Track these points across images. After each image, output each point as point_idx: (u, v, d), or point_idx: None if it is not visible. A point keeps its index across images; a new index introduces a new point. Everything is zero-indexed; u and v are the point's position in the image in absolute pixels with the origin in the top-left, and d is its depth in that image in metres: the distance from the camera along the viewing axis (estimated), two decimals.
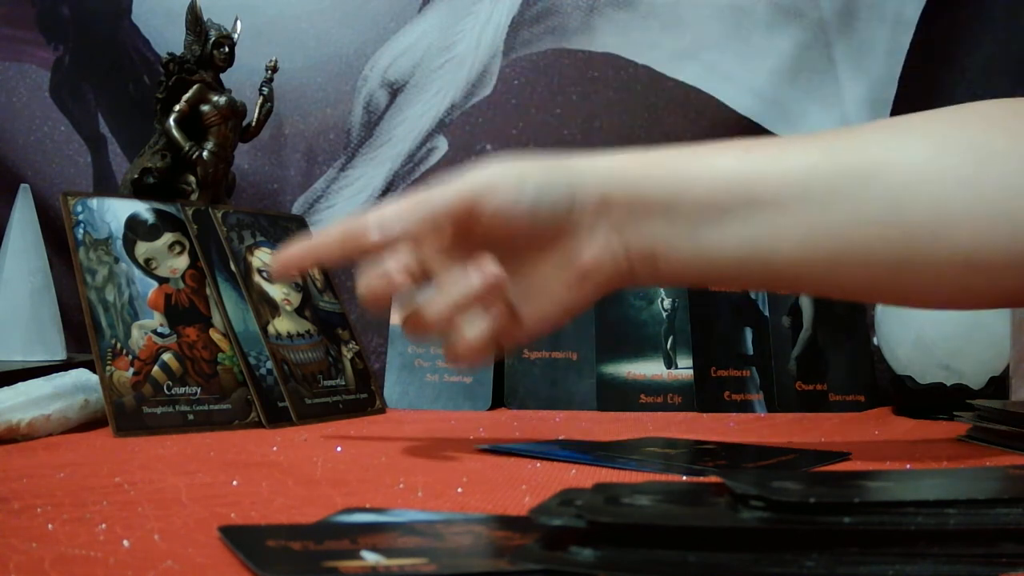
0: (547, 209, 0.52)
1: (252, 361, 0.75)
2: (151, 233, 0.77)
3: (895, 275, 0.51)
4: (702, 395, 0.92)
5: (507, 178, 0.52)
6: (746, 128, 1.04)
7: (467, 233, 0.52)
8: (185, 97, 0.86)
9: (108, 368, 0.68)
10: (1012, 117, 0.52)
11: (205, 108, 0.87)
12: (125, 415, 0.67)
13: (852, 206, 0.50)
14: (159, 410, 0.68)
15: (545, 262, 0.54)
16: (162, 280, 0.75)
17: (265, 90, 0.94)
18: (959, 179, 0.49)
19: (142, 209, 0.78)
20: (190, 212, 0.80)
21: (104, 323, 0.70)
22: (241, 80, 0.94)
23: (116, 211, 0.76)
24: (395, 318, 0.95)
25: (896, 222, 0.49)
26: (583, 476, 0.52)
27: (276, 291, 0.81)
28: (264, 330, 0.77)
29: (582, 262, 0.53)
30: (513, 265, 0.53)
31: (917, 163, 0.50)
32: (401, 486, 0.48)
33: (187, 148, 0.86)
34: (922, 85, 1.04)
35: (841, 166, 0.51)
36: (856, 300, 0.56)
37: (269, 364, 0.75)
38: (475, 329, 0.52)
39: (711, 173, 0.52)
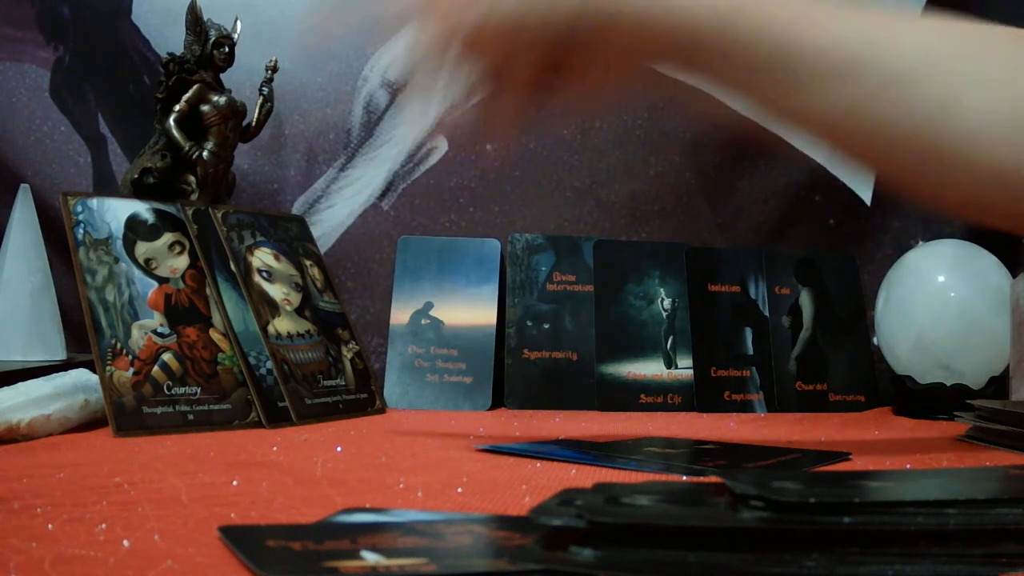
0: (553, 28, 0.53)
1: (252, 361, 0.75)
2: (151, 233, 0.77)
3: (924, 167, 0.51)
4: (702, 395, 0.92)
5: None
6: (747, 128, 1.04)
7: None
8: (185, 97, 0.86)
9: (108, 368, 0.68)
10: None
11: (205, 108, 0.87)
12: (125, 415, 0.67)
13: (901, 98, 0.49)
14: (159, 410, 0.68)
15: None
16: (162, 280, 0.75)
17: (265, 90, 0.94)
18: (1007, 99, 0.49)
19: (142, 209, 0.78)
20: (190, 212, 0.80)
21: (104, 323, 0.70)
22: (241, 80, 0.94)
23: (116, 211, 0.76)
24: (395, 318, 0.95)
25: (939, 123, 0.49)
26: (583, 476, 0.52)
27: (276, 291, 0.81)
28: (264, 330, 0.77)
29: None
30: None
31: (974, 73, 0.49)
32: (401, 486, 0.48)
33: (187, 148, 0.86)
34: None
35: (899, 59, 0.50)
36: (884, 178, 0.56)
37: (269, 364, 0.75)
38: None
39: (752, 43, 0.50)
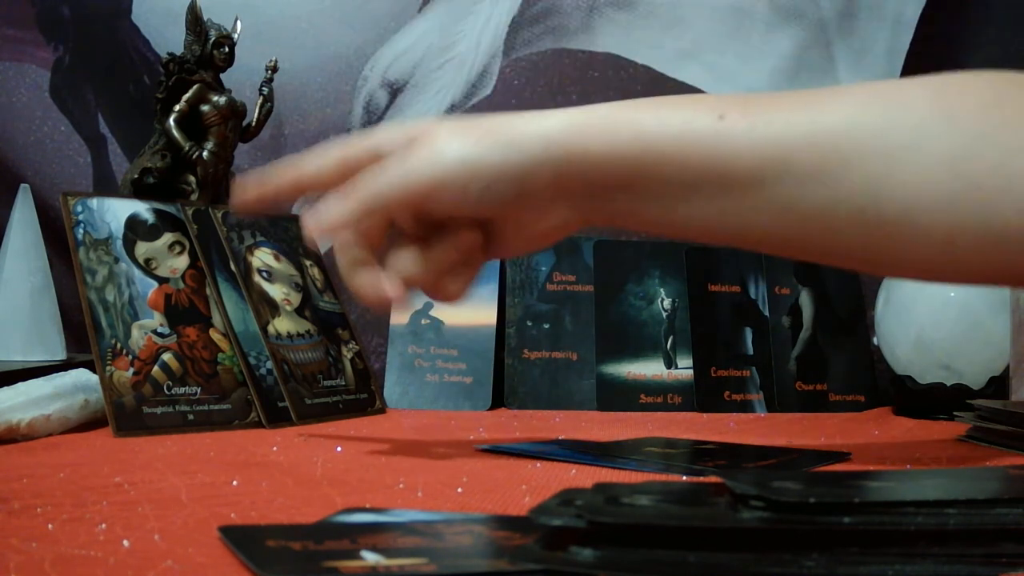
0: (495, 201, 0.51)
1: (252, 361, 0.75)
2: (151, 233, 0.77)
3: (867, 253, 0.50)
4: (702, 395, 0.92)
5: (453, 179, 0.50)
6: None
7: (419, 212, 0.53)
8: (185, 97, 0.86)
9: (108, 368, 0.68)
10: (1016, 88, 0.48)
11: (205, 108, 0.87)
12: (125, 415, 0.67)
13: (829, 190, 0.47)
14: (159, 410, 0.68)
15: (504, 226, 0.54)
16: (162, 280, 0.75)
17: (265, 90, 0.94)
18: (945, 161, 0.46)
19: (142, 209, 0.78)
20: (190, 212, 0.80)
21: (104, 323, 0.70)
22: (241, 80, 0.94)
23: (116, 211, 0.76)
24: (395, 318, 0.95)
25: (873, 209, 0.47)
26: (583, 476, 0.52)
27: (276, 291, 0.81)
28: (264, 330, 0.77)
29: (539, 231, 0.54)
30: (473, 228, 0.54)
31: (903, 142, 0.47)
32: (401, 486, 0.48)
33: (187, 148, 0.86)
34: None
35: (822, 146, 0.47)
36: (828, 264, 0.55)
37: (269, 364, 0.75)
38: (454, 285, 0.54)
39: (680, 151, 0.49)
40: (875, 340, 0.91)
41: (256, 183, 0.57)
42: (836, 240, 0.49)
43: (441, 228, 0.53)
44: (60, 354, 0.87)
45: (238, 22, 0.91)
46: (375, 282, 0.53)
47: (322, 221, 0.52)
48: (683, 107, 0.51)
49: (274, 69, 0.95)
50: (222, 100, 0.88)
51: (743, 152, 0.48)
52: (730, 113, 0.49)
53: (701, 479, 0.49)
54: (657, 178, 0.50)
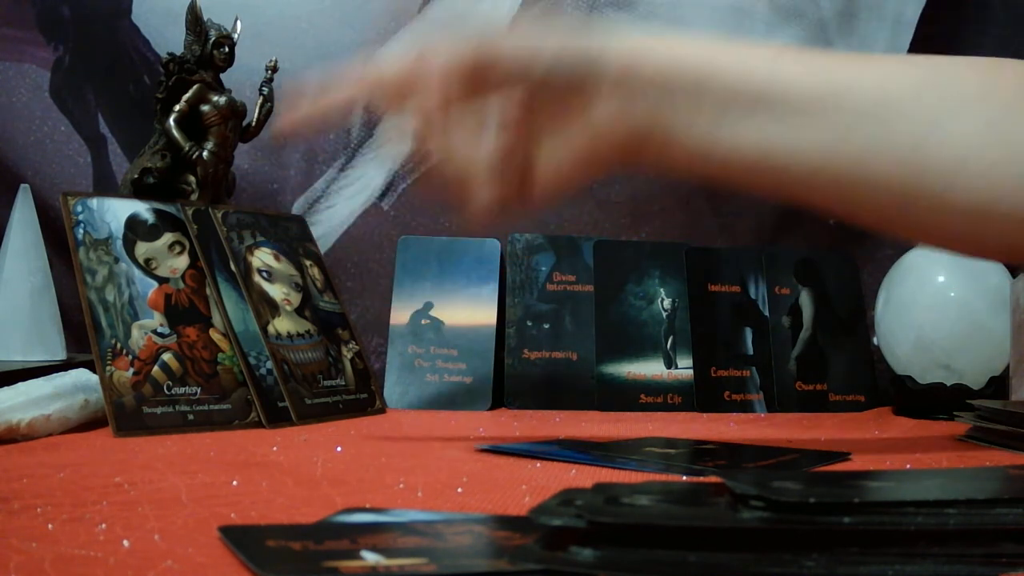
0: (563, 77, 0.53)
1: (252, 361, 0.75)
2: (151, 233, 0.77)
3: (904, 208, 0.51)
4: (702, 395, 0.92)
5: (524, 47, 0.53)
6: None
7: (479, 85, 0.54)
8: (185, 97, 0.86)
9: (108, 368, 0.68)
10: None
11: (205, 108, 0.87)
12: (125, 415, 0.67)
13: (877, 134, 0.49)
14: (159, 410, 0.68)
15: (558, 119, 0.55)
16: (162, 280, 0.75)
17: (265, 90, 0.94)
18: (988, 128, 0.48)
19: (142, 209, 0.78)
20: (190, 212, 0.80)
21: (104, 323, 0.70)
22: (241, 80, 0.94)
23: (116, 211, 0.76)
24: (395, 318, 0.95)
25: (916, 160, 0.49)
26: (583, 476, 0.52)
27: (276, 291, 0.81)
28: (264, 330, 0.77)
29: (594, 122, 0.54)
30: (526, 121, 0.55)
31: (949, 104, 0.49)
32: (401, 486, 0.48)
33: (187, 148, 0.86)
34: None
35: (872, 92, 0.50)
36: (859, 224, 0.55)
37: (269, 364, 0.75)
38: (490, 190, 0.56)
39: (742, 68, 0.51)
40: (875, 340, 0.91)
41: (310, 100, 0.58)
42: (878, 190, 0.50)
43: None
44: (60, 354, 0.87)
45: (238, 22, 0.91)
46: None
47: (381, 68, 0.56)
48: (739, 46, 0.54)
49: (274, 69, 0.95)
50: (222, 100, 0.88)
51: (800, 83, 0.51)
52: (783, 56, 0.52)
53: (701, 479, 0.49)
54: (718, 88, 0.52)
